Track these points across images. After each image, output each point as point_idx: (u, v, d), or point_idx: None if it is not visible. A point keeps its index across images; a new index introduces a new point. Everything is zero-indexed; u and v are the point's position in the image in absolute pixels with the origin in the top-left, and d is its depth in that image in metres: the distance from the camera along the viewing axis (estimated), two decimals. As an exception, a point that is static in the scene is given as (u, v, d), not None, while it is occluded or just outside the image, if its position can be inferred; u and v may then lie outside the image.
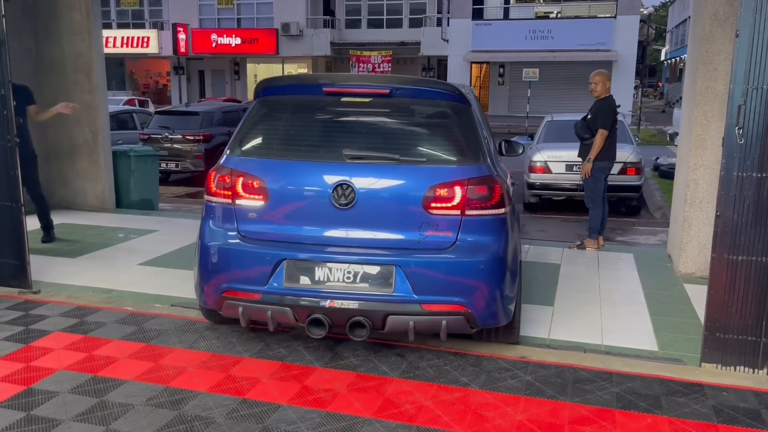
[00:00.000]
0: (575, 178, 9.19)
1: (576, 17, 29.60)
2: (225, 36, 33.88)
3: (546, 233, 8.64)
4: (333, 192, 3.52)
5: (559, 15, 30.52)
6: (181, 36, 31.87)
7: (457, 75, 29.55)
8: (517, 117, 28.27)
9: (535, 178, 10.19)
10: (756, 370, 3.71)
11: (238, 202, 3.68)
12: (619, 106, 6.91)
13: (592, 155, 6.51)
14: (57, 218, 7.05)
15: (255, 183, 3.65)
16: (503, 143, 5.29)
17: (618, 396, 3.45)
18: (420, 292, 3.44)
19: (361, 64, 31.11)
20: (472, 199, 3.50)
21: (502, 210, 3.61)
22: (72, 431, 3.07)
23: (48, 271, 5.60)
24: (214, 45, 34.05)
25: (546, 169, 10.12)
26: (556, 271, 5.94)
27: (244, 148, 3.85)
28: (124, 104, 20.39)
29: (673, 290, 5.40)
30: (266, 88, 4.01)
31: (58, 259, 6.07)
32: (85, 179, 8.36)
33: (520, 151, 5.35)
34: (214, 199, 3.77)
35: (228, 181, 3.71)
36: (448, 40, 30.14)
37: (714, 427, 3.14)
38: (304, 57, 33.82)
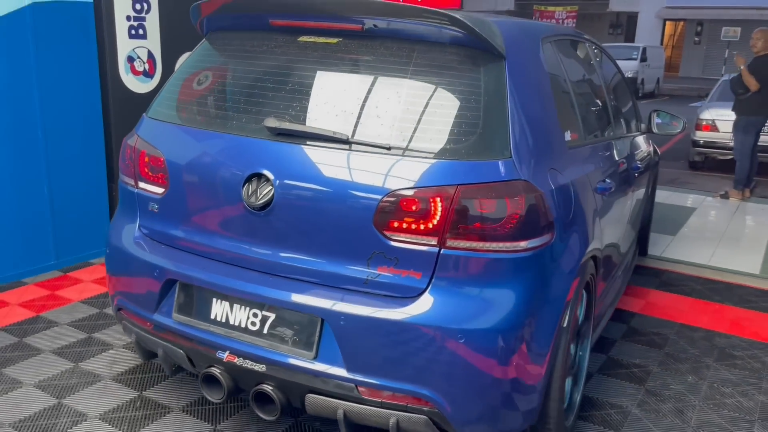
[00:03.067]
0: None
1: (794, -30, 26.75)
2: (414, -10, 35.25)
3: (697, 186, 8.99)
4: (245, 185, 2.22)
5: (773, -33, 27.73)
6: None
7: (649, 33, 28.30)
8: (711, 80, 26.58)
9: (701, 136, 10.31)
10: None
11: (140, 185, 2.52)
12: None
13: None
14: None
15: (157, 160, 2.45)
16: (653, 115, 4.05)
17: (704, 289, 4.26)
18: (355, 366, 2.10)
19: (545, 20, 30.91)
20: (462, 220, 2.03)
21: (526, 243, 2.07)
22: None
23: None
24: (403, -1, 35.60)
25: (713, 128, 10.20)
26: (691, 212, 6.55)
27: (161, 108, 2.61)
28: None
29: (800, 236, 5.81)
30: (206, 18, 2.64)
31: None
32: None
33: (679, 128, 4.04)
34: (123, 178, 2.63)
35: (131, 153, 2.56)
36: (640, -5, 28.81)
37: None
38: (488, 12, 34.23)
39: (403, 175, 2.05)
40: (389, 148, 2.10)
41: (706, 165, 10.47)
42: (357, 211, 2.08)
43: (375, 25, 2.25)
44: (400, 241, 2.05)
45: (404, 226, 2.04)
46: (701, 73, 29.71)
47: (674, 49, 30.84)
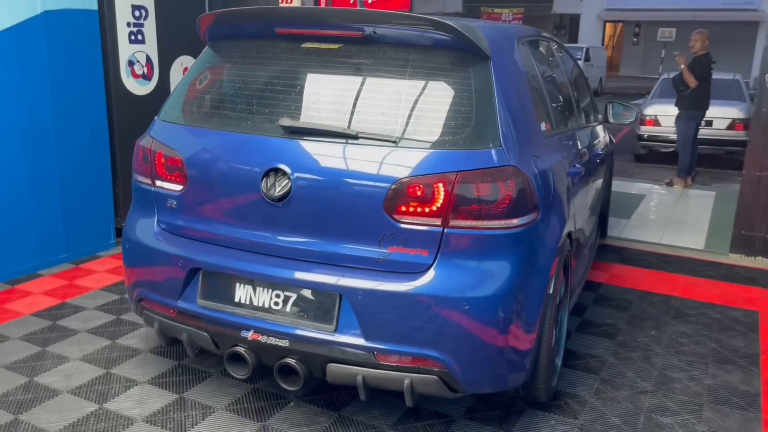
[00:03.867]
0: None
1: (722, -26, 28.43)
2: (363, -7, 35.71)
3: (644, 176, 9.71)
4: (263, 180, 2.44)
5: (703, -28, 29.36)
6: (324, -7, 34.07)
7: (590, 34, 29.54)
8: (650, 78, 27.96)
9: (645, 130, 11.08)
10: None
11: (158, 184, 2.72)
12: (714, 62, 7.82)
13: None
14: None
15: (175, 160, 2.65)
16: (609, 106, 4.43)
17: (658, 262, 4.83)
18: (372, 335, 2.34)
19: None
20: (462, 202, 2.30)
21: (517, 220, 2.36)
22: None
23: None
24: (351, 1, 36.04)
25: (656, 123, 10.99)
26: (641, 199, 7.19)
27: (174, 111, 2.82)
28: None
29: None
30: (211, 27, 2.86)
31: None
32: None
33: (632, 118, 4.45)
34: (138, 178, 2.83)
35: (147, 155, 2.75)
36: (582, -2, 30.07)
37: (718, 285, 4.47)
38: (437, 15, 34.96)
39: (408, 165, 2.31)
40: (395, 141, 2.35)
41: (651, 157, 11.23)
42: (368, 198, 2.33)
43: (374, 32, 2.50)
44: (408, 223, 2.31)
45: (411, 209, 2.30)
46: (640, 72, 31.18)
47: (614, 49, 32.29)
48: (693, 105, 7.69)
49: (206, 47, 2.93)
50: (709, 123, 9.33)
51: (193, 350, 2.72)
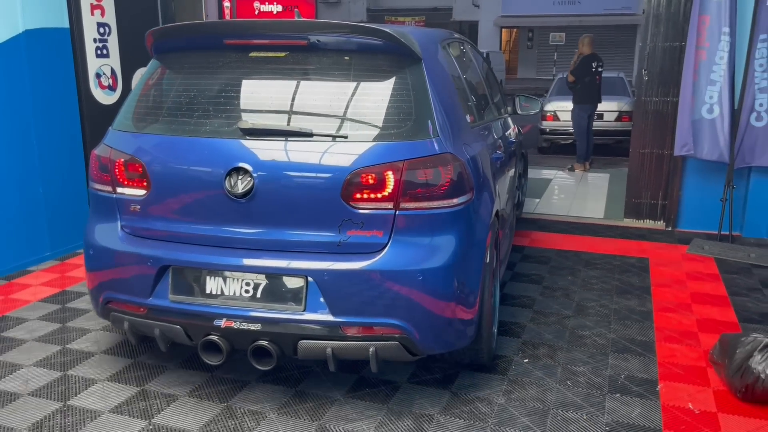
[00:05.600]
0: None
1: (602, -17, 30.97)
2: (267, 3, 36.02)
3: (548, 165, 10.90)
4: (226, 179, 2.63)
5: (586, -19, 31.85)
6: (226, 3, 34.12)
7: (488, 40, 31.33)
8: (544, 80, 30.03)
9: (546, 125, 12.34)
10: (654, 221, 6.01)
11: (119, 190, 2.86)
12: (599, 62, 9.02)
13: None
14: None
15: (135, 166, 2.80)
16: (517, 99, 4.88)
17: (568, 228, 5.79)
18: (339, 310, 2.59)
19: (397, 30, 32.99)
20: (410, 187, 2.57)
21: (457, 200, 2.66)
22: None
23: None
24: (257, 12, 36.09)
25: (555, 118, 12.28)
26: (549, 182, 8.25)
27: (129, 121, 2.97)
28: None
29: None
30: (159, 41, 3.02)
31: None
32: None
33: (537, 108, 4.95)
34: (96, 186, 2.95)
35: (107, 163, 2.88)
36: (479, 6, 31.86)
37: (616, 242, 5.48)
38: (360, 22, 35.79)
39: (360, 157, 2.58)
40: (347, 137, 2.64)
41: (552, 149, 12.49)
42: (326, 189, 2.58)
43: (318, 40, 2.77)
44: (364, 209, 2.58)
45: (366, 196, 2.57)
46: (536, 74, 33.34)
47: (511, 53, 34.35)
48: (581, 99, 8.94)
49: (152, 60, 3.09)
50: (600, 116, 10.63)
51: (165, 344, 2.85)
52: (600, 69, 8.98)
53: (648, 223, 6.03)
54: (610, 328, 3.74)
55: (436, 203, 2.63)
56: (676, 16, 5.62)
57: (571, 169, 9.10)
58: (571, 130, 12.31)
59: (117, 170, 2.86)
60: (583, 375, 3.20)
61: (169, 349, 2.98)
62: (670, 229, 5.87)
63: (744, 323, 3.80)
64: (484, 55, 21.44)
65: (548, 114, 12.38)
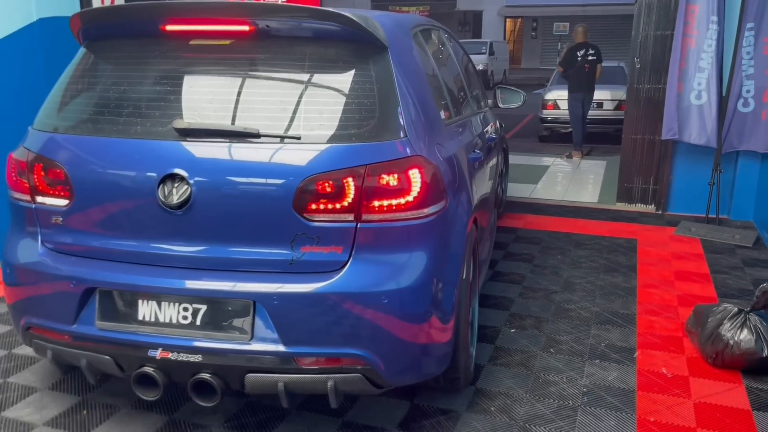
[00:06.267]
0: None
1: (606, -28, 30.99)
2: (273, -6, 36.13)
3: (547, 152, 11.08)
4: (159, 187, 2.29)
5: (590, -30, 31.87)
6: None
7: (492, 30, 31.42)
8: (548, 70, 30.12)
9: (547, 113, 12.50)
10: (646, 205, 6.21)
11: (38, 199, 2.50)
12: (591, 51, 9.18)
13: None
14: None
15: (56, 172, 2.44)
16: (498, 91, 4.49)
17: (561, 212, 5.99)
18: (291, 340, 2.26)
19: (401, 20, 33.07)
20: (373, 196, 2.25)
21: (428, 210, 2.34)
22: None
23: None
24: None
25: (555, 106, 12.44)
26: (546, 169, 8.44)
27: (51, 119, 2.58)
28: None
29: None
30: (87, 26, 2.63)
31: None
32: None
33: (520, 101, 4.53)
34: (13, 194, 2.58)
35: (24, 168, 2.52)
36: (483, -4, 31.91)
37: (607, 224, 5.68)
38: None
39: (315, 161, 2.21)
40: (299, 138, 2.24)
41: (552, 137, 12.65)
42: (276, 198, 2.21)
43: (267, 26, 2.39)
44: (320, 221, 2.22)
45: (322, 207, 2.21)
46: (539, 64, 33.40)
47: (516, 43, 34.41)
48: (571, 87, 9.24)
49: (81, 48, 2.70)
50: (600, 105, 10.79)
51: (94, 376, 2.50)
52: (590, 57, 9.15)
53: (639, 207, 6.22)
54: (595, 303, 3.95)
55: (404, 214, 2.28)
56: (667, 5, 5.78)
57: (569, 156, 9.29)
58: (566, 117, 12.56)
59: (36, 176, 2.48)
60: (566, 344, 3.41)
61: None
62: (660, 212, 6.06)
63: (722, 298, 4.00)
64: (488, 46, 21.71)
65: (549, 103, 12.53)
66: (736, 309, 3.14)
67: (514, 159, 8.92)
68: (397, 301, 2.28)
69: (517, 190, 6.97)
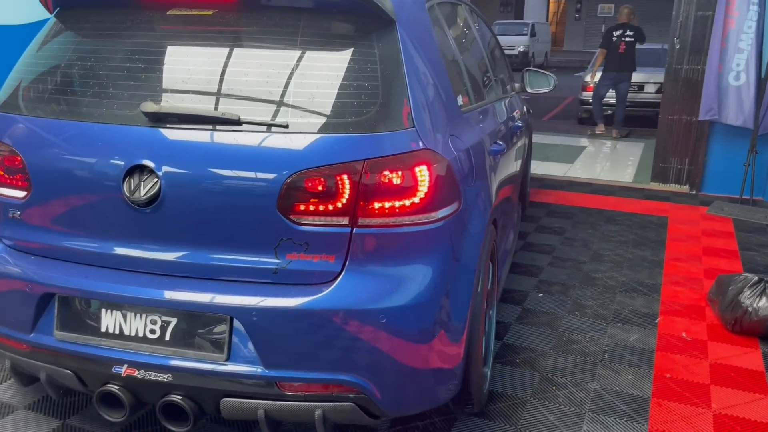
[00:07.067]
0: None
1: (655, -47, 30.24)
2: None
3: (585, 134, 11.11)
4: (125, 180, 1.99)
5: (638, -49, 31.15)
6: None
7: (535, 10, 30.97)
8: (591, 53, 29.63)
9: (586, 95, 12.48)
10: (680, 185, 6.28)
11: None
12: (628, 32, 9.16)
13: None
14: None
15: (14, 159, 2.18)
16: (526, 74, 4.17)
17: (595, 189, 6.11)
18: (273, 362, 1.96)
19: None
20: (373, 196, 1.94)
21: (438, 213, 2.02)
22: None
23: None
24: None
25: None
26: (583, 149, 8.53)
27: (11, 99, 2.27)
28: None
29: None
30: None
31: None
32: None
33: (550, 86, 4.19)
34: None
35: None
36: (526, -24, 31.46)
37: (639, 202, 5.78)
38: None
39: (305, 154, 1.90)
40: (287, 126, 1.92)
41: (591, 120, 12.62)
42: (258, 197, 1.92)
43: None
44: (309, 225, 1.92)
45: (312, 208, 1.91)
46: (582, 47, 32.85)
47: (558, 25, 33.91)
48: (605, 67, 9.41)
49: (52, 18, 2.36)
50: (641, 87, 10.74)
51: (56, 391, 2.26)
52: (627, 38, 9.14)
53: (673, 187, 6.30)
54: (622, 273, 4.11)
55: (408, 218, 1.95)
56: (709, -15, 5.80)
57: (595, 134, 9.45)
58: (612, 101, 12.53)
59: None
60: (591, 308, 3.59)
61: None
62: (694, 192, 6.13)
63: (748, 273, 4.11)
64: (530, 27, 21.63)
65: (588, 85, 12.50)
66: (756, 278, 3.28)
67: (551, 139, 9.06)
68: (398, 320, 1.95)
69: (552, 168, 7.10)
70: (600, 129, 9.55)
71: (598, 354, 3.09)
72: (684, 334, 3.29)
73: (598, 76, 12.27)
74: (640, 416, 2.60)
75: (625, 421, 2.57)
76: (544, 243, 4.64)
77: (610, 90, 9.53)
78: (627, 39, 9.12)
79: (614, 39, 9.13)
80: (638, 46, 9.18)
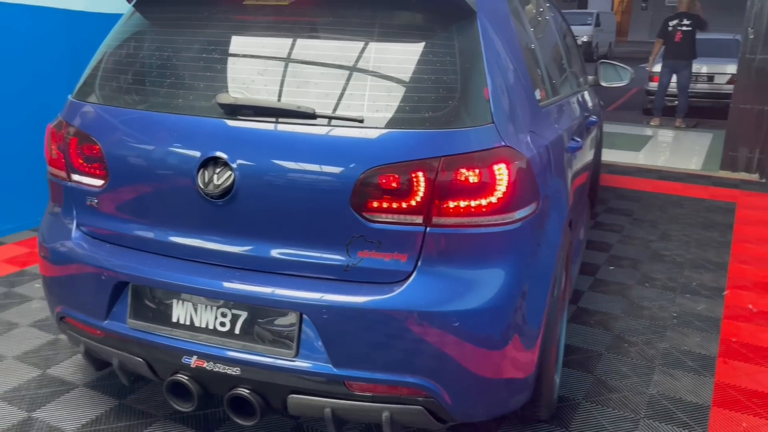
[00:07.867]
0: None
1: (729, -60, 29.25)
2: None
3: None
4: (199, 171, 2.01)
5: (711, -62, 30.18)
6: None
7: (600, 0, 30.50)
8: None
9: (652, 86, 12.44)
10: (750, 174, 6.36)
11: (74, 177, 2.28)
12: (684, 21, 9.14)
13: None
14: None
15: (92, 148, 2.21)
16: (601, 67, 4.09)
17: (663, 176, 6.27)
18: (342, 360, 1.95)
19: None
20: (448, 195, 1.89)
21: (516, 214, 1.96)
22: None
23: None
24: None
25: (661, 79, 12.38)
26: (650, 138, 8.63)
27: (91, 88, 2.33)
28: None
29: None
30: None
31: None
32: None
33: (626, 79, 4.14)
34: (51, 170, 2.38)
35: (60, 142, 2.31)
36: (592, -35, 30.93)
37: (707, 188, 5.92)
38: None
39: (380, 150, 1.88)
40: (362, 121, 1.90)
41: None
42: (331, 192, 1.90)
43: None
44: (382, 222, 1.90)
45: (385, 205, 1.89)
46: (648, 37, 32.07)
47: (623, 14, 33.20)
48: (664, 56, 9.54)
49: (130, 8, 2.41)
50: (711, 78, 10.66)
51: (128, 377, 2.30)
52: (683, 27, 9.13)
53: (743, 175, 6.39)
54: (689, 251, 4.32)
55: (484, 219, 1.91)
56: (787, -25, 5.84)
57: (650, 123, 9.55)
58: (676, 91, 12.43)
59: (71, 151, 2.26)
60: (660, 281, 3.83)
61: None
62: (764, 180, 6.22)
63: (816, 255, 4.26)
64: (594, 17, 21.49)
65: (654, 75, 12.44)
66: (823, 255, 3.45)
67: (617, 128, 9.16)
68: (471, 324, 1.91)
69: (619, 156, 7.26)
70: (655, 122, 9.60)
71: (667, 319, 3.34)
72: (750, 306, 3.50)
73: (656, 66, 12.23)
74: (707, 371, 2.86)
75: (693, 374, 2.84)
76: (614, 223, 4.88)
77: (672, 80, 9.57)
78: (683, 28, 9.17)
79: (670, 29, 9.23)
80: (699, 35, 9.16)
